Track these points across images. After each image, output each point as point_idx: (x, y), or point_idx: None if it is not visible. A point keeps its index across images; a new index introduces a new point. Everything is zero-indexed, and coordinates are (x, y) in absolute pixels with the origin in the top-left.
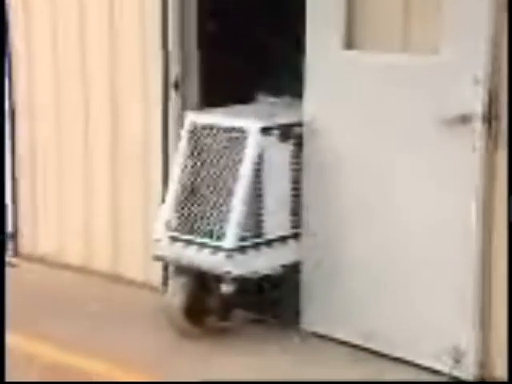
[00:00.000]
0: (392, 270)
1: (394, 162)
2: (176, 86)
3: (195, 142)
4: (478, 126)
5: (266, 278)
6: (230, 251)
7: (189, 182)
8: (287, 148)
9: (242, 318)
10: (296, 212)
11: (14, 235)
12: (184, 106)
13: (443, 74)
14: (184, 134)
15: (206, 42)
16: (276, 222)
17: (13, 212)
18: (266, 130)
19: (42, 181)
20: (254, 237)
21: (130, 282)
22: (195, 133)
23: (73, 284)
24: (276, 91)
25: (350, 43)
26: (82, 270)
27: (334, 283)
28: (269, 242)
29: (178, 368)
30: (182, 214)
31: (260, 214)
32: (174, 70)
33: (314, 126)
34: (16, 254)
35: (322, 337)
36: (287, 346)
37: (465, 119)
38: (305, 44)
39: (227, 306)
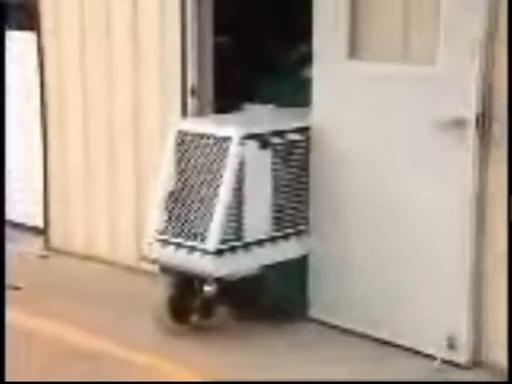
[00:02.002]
0: (392, 262)
1: (395, 163)
2: (193, 92)
3: (181, 148)
4: (471, 129)
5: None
6: (212, 253)
7: (175, 187)
8: (268, 155)
9: (232, 315)
10: (277, 215)
11: (45, 230)
12: (200, 110)
13: (439, 83)
14: (170, 140)
15: (220, 51)
16: (257, 225)
17: (44, 208)
18: (247, 138)
19: (72, 180)
20: (236, 239)
21: (152, 275)
22: (181, 140)
23: (97, 275)
24: (274, 100)
25: (353, 54)
26: (107, 262)
27: (340, 276)
28: (250, 244)
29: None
30: (169, 218)
31: (242, 218)
32: (191, 77)
33: (320, 129)
34: (47, 247)
35: (325, 324)
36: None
37: (459, 123)
38: (303, 57)
39: (211, 304)
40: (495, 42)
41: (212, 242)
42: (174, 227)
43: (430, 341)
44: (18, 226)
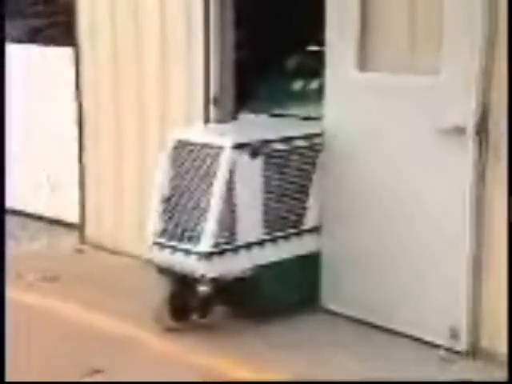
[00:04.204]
0: (399, 258)
1: (400, 166)
2: (215, 102)
3: (176, 156)
4: (471, 136)
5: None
6: (205, 255)
7: (170, 193)
8: (258, 163)
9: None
10: (269, 219)
11: (82, 227)
12: (221, 118)
13: (442, 92)
14: (167, 148)
15: (240, 64)
16: (249, 229)
17: (80, 208)
18: (237, 147)
19: (105, 181)
20: (229, 242)
21: None
22: (177, 148)
23: (127, 268)
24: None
25: (362, 66)
26: (135, 256)
27: (350, 271)
28: (242, 247)
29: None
30: (165, 221)
31: (234, 222)
32: (214, 88)
33: (331, 136)
34: (83, 242)
35: (335, 314)
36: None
37: (459, 131)
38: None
39: (207, 304)
40: (495, 54)
41: (205, 245)
42: (169, 230)
43: (434, 330)
44: (57, 222)
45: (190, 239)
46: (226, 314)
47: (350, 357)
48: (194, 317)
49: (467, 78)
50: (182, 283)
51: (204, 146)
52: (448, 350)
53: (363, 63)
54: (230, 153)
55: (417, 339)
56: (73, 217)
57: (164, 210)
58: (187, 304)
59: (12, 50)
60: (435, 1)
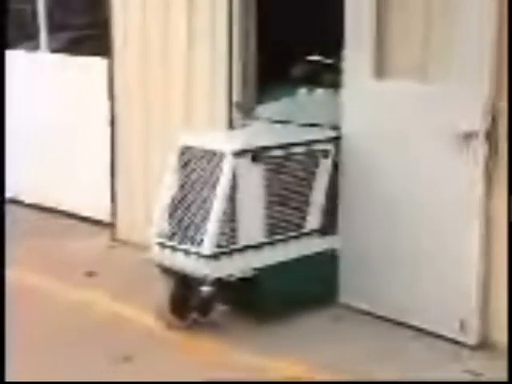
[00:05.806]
0: (413, 254)
1: (414, 170)
2: (237, 105)
3: (182, 161)
4: (480, 141)
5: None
6: (208, 257)
7: (176, 195)
8: (259, 168)
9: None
10: (271, 222)
11: (113, 224)
12: (243, 122)
13: (453, 99)
14: (174, 153)
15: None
16: (251, 231)
17: (112, 206)
18: (239, 153)
19: (135, 181)
20: (230, 244)
21: None
22: (183, 153)
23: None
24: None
25: (379, 74)
26: None
27: (365, 268)
28: (244, 249)
29: None
30: (170, 223)
31: (236, 224)
32: (236, 94)
33: (349, 142)
34: (114, 239)
35: (352, 310)
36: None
37: (469, 136)
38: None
39: (208, 303)
40: (503, 61)
41: (208, 246)
42: (174, 232)
43: (444, 324)
44: (96, 222)
45: (193, 240)
46: (232, 314)
47: (363, 352)
48: (196, 316)
49: (477, 85)
50: (184, 283)
51: (208, 151)
52: (458, 343)
53: (379, 72)
54: (232, 159)
55: (429, 333)
56: (105, 215)
57: (169, 212)
58: (189, 303)
59: (52, 59)
60: (450, 11)
